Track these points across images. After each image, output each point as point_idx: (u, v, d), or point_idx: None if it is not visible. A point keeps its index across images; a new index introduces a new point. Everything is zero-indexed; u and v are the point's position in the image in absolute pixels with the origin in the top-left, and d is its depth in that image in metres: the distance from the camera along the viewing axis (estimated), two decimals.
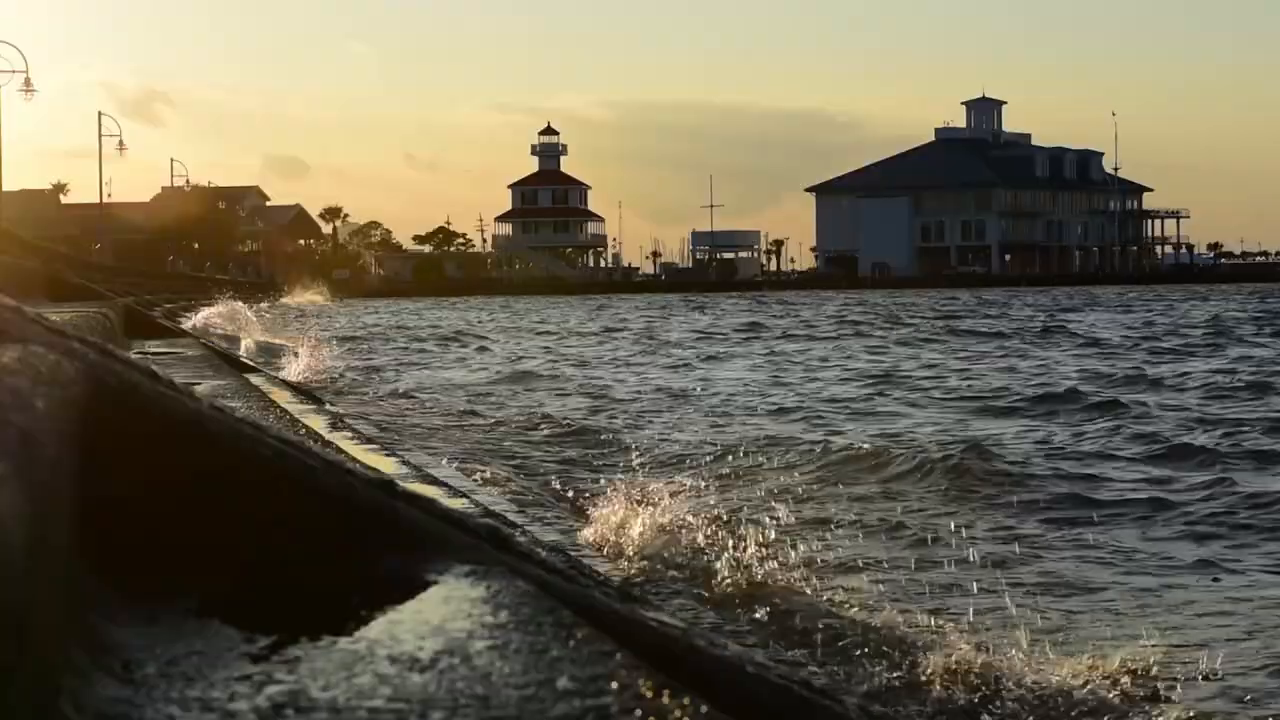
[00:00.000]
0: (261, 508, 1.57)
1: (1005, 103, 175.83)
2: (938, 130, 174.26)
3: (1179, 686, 5.98)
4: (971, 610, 7.17)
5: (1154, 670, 6.06)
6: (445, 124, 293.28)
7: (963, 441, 14.15)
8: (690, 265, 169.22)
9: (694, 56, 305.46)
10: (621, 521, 8.47)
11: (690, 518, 8.39)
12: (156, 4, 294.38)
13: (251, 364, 15.17)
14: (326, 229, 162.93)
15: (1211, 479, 11.87)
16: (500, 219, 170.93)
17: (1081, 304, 72.93)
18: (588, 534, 8.57)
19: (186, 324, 24.97)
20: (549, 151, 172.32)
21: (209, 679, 1.35)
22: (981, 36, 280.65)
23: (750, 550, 7.73)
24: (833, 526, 9.32)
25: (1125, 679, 5.89)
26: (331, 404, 13.03)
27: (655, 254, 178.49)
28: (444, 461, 11.31)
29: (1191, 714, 5.60)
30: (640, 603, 1.81)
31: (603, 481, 10.34)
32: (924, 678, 5.77)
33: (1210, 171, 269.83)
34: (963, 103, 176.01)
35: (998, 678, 5.73)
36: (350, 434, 8.02)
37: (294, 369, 19.95)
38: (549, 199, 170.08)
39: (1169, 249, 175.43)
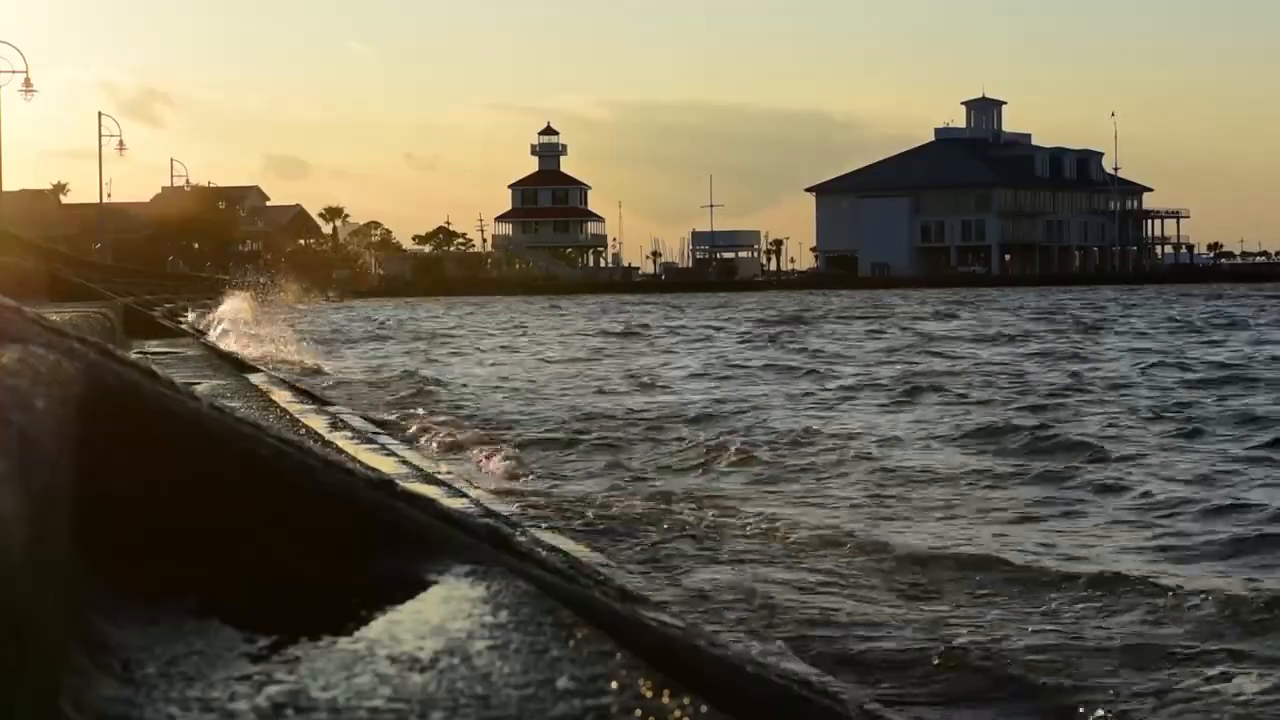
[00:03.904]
0: (261, 507, 1.57)
1: (1005, 103, 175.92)
2: (938, 130, 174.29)
3: None
4: None
5: None
6: (445, 124, 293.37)
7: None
8: (690, 265, 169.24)
9: (694, 56, 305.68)
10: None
11: None
12: (156, 4, 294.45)
13: (251, 363, 15.17)
14: (326, 229, 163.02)
15: None
16: (500, 219, 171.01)
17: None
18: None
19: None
20: (549, 151, 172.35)
21: (209, 679, 1.35)
22: (981, 36, 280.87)
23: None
24: None
25: None
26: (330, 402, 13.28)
27: (655, 254, 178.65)
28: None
29: None
30: (640, 602, 1.81)
31: None
32: None
33: (1210, 171, 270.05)
34: (963, 103, 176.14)
35: None
36: (350, 433, 8.02)
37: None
38: (549, 199, 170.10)
39: (1169, 249, 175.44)
